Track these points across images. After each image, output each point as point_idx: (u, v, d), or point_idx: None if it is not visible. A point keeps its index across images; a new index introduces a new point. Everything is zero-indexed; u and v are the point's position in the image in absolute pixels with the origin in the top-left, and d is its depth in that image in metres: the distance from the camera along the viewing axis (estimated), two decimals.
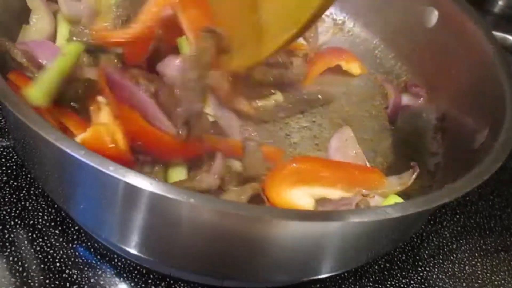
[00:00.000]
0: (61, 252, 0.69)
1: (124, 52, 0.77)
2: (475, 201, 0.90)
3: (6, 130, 0.81)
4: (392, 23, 1.02)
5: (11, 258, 0.67)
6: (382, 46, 1.04)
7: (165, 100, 0.70)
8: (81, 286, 0.66)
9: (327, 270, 0.66)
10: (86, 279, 0.67)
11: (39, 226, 0.71)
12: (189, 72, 0.70)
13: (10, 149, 0.78)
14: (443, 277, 0.77)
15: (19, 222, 0.71)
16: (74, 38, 0.77)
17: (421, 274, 0.77)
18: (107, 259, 0.69)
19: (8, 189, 0.73)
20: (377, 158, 0.85)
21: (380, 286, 0.75)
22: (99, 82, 0.70)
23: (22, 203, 0.73)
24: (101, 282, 0.67)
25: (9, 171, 0.75)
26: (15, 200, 0.73)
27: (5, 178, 0.74)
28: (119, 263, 0.69)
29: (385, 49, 1.04)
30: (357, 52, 1.01)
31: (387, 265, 0.77)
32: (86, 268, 0.68)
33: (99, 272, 0.68)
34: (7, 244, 0.68)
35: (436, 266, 0.79)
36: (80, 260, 0.68)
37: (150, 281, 0.69)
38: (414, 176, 0.73)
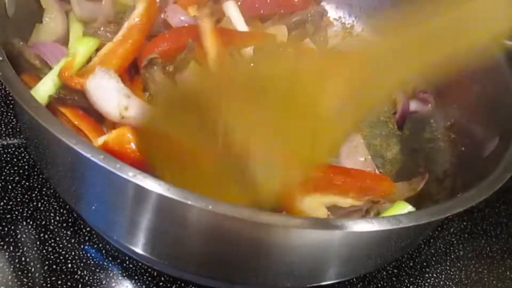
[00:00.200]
0: (72, 253, 0.69)
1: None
2: (482, 208, 0.90)
3: (18, 129, 0.80)
4: None
5: (23, 259, 0.67)
6: None
7: None
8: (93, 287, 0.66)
9: (336, 276, 0.67)
10: (97, 280, 0.67)
11: (51, 227, 0.71)
12: None
13: (22, 148, 0.78)
14: (450, 283, 0.78)
15: (31, 222, 0.71)
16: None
17: (428, 280, 0.78)
18: (118, 261, 0.70)
19: (20, 189, 0.73)
20: (385, 163, 0.86)
21: None
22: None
23: (34, 203, 0.73)
24: (113, 284, 0.67)
25: (21, 171, 0.75)
26: (27, 201, 0.73)
27: (17, 178, 0.74)
28: (131, 265, 0.70)
29: None
30: None
31: (395, 271, 0.78)
32: (97, 270, 0.68)
33: (111, 274, 0.68)
34: (19, 244, 0.68)
35: (443, 273, 0.79)
36: (92, 262, 0.69)
37: (161, 283, 0.69)
38: (423, 183, 0.74)
